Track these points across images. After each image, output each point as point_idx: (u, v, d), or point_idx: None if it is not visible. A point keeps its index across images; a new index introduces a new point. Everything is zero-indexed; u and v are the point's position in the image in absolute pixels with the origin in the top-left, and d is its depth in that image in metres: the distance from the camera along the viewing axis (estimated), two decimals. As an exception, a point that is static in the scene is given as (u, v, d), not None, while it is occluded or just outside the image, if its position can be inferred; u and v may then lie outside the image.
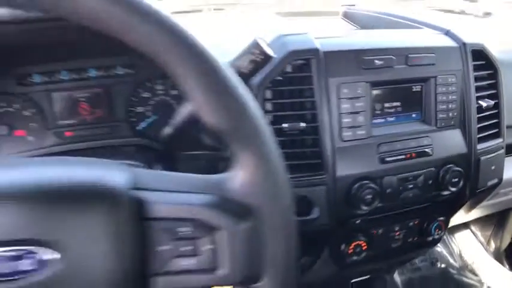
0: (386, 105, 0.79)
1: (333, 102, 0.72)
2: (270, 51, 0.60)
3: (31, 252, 0.34)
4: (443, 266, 1.69)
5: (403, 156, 0.78)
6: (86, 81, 0.83)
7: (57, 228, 0.34)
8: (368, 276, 1.07)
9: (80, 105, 0.83)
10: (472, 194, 0.87)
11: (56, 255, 0.34)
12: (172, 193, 0.40)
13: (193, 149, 0.78)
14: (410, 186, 0.79)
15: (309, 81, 0.71)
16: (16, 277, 0.34)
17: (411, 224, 0.88)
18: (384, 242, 0.85)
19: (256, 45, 0.58)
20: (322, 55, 0.71)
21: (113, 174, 0.38)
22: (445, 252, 1.71)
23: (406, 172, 0.79)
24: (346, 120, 0.73)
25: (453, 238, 1.70)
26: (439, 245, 1.66)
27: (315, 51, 0.71)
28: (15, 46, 0.74)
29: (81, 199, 0.36)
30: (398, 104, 0.80)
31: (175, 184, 0.40)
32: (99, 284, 0.36)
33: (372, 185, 0.74)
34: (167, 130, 0.69)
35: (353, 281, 1.06)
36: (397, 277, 1.46)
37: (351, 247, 0.81)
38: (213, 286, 0.40)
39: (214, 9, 1.24)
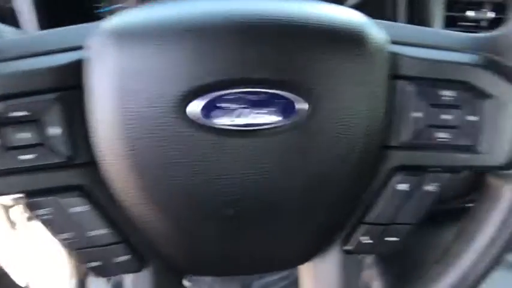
0: None
1: None
2: None
3: (277, 96, 0.28)
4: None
5: None
6: None
7: (310, 72, 0.28)
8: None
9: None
10: None
11: (305, 105, 0.29)
12: (434, 49, 0.33)
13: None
14: None
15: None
16: (254, 128, 0.28)
17: None
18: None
19: None
20: None
21: (369, 23, 0.31)
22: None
23: None
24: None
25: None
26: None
27: None
28: None
29: (341, 43, 0.29)
30: None
31: (438, 39, 0.33)
32: (341, 144, 0.30)
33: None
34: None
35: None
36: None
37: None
38: (461, 168, 0.34)
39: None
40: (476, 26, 0.62)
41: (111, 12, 0.74)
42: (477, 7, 0.61)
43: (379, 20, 0.33)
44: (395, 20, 0.64)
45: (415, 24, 0.64)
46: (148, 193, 0.29)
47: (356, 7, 0.60)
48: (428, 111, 0.32)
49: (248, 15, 0.28)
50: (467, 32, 0.55)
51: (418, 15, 0.62)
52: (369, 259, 1.15)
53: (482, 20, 0.61)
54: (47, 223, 0.31)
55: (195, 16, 0.28)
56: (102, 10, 0.74)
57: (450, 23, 0.61)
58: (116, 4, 0.74)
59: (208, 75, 0.27)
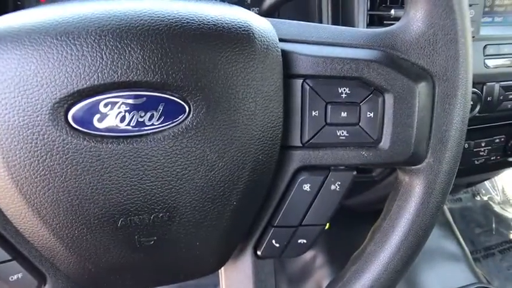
0: (497, 2, 0.69)
1: None
2: None
3: (160, 99, 0.27)
4: (484, 198, 1.65)
5: (508, 62, 0.70)
6: None
7: (194, 74, 0.27)
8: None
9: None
10: None
11: (191, 108, 0.27)
12: (329, 46, 0.32)
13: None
14: (511, 96, 0.72)
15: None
16: (138, 133, 0.27)
17: (497, 140, 0.81)
18: (468, 157, 0.79)
19: None
20: None
21: (256, 21, 0.30)
22: (487, 185, 1.67)
23: (509, 80, 0.71)
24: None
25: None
26: (482, 178, 1.62)
27: None
28: None
29: (225, 42, 0.28)
30: (509, 2, 0.70)
31: (333, 36, 0.33)
32: (233, 146, 0.29)
33: (475, 89, 0.67)
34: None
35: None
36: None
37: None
38: (366, 166, 0.34)
39: None
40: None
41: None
42: (401, 5, 0.61)
43: (270, 18, 0.32)
44: (320, 21, 0.63)
45: (340, 24, 0.64)
46: (31, 207, 0.27)
47: (278, 7, 0.60)
48: (326, 109, 0.31)
49: (127, 17, 0.26)
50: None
51: (342, 15, 0.63)
52: (320, 259, 1.15)
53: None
54: None
55: (72, 19, 0.26)
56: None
57: (376, 21, 0.61)
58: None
59: (86, 79, 0.25)
